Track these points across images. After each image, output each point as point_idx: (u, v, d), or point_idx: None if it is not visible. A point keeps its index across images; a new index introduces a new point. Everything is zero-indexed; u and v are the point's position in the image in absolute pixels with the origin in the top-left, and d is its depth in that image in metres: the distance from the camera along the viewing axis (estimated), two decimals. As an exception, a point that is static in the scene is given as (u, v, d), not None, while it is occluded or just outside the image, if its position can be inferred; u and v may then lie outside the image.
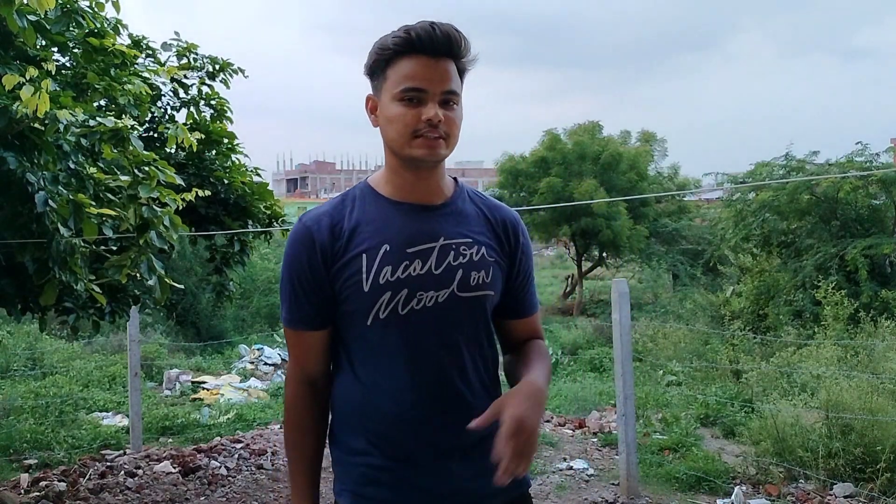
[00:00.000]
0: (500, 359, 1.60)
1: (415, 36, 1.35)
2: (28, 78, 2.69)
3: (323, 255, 1.41)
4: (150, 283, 3.51)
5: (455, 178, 1.55)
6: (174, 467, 5.34)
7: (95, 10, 3.44)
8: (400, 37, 1.37)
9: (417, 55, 1.36)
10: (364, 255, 1.40)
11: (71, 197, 2.89)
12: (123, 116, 3.46)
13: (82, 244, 3.10)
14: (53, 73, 3.00)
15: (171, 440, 6.61)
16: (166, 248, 3.48)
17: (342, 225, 1.42)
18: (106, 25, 3.59)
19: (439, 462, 1.44)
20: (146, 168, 3.27)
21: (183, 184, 3.46)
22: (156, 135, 4.73)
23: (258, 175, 5.41)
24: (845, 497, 4.48)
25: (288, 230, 5.64)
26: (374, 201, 1.45)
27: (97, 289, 3.31)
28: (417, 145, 1.37)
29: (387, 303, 1.39)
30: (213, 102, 5.13)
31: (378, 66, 1.40)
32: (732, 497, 4.55)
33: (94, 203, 3.03)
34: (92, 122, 3.00)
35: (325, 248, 1.41)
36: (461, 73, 1.42)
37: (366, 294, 1.39)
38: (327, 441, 1.54)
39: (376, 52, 1.40)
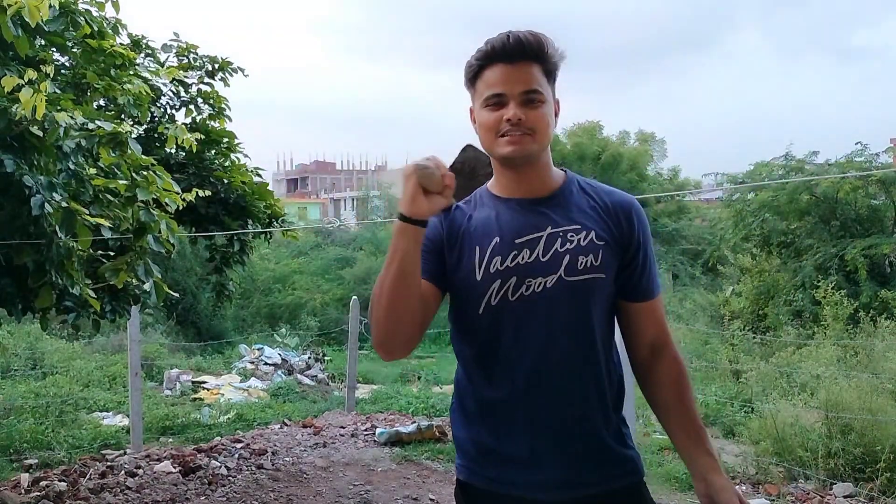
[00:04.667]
0: (631, 355, 1.64)
1: (490, 47, 1.50)
2: (27, 80, 2.69)
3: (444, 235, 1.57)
4: (147, 287, 3.51)
5: (565, 171, 1.63)
6: (174, 467, 5.35)
7: (93, 10, 3.43)
8: (480, 50, 1.52)
9: (496, 63, 1.49)
10: (477, 248, 1.51)
11: (64, 204, 2.88)
12: (123, 117, 3.46)
13: (79, 248, 3.10)
14: (52, 75, 2.99)
15: (171, 440, 6.61)
16: (163, 251, 3.48)
17: (461, 221, 1.56)
18: (105, 25, 3.59)
19: (540, 443, 1.50)
20: (144, 172, 3.26)
21: (179, 190, 3.46)
22: (156, 135, 4.73)
23: (258, 175, 5.41)
24: (845, 497, 4.48)
25: (288, 230, 5.66)
26: (489, 199, 1.58)
27: (92, 294, 3.30)
28: (503, 144, 1.49)
29: (497, 290, 1.48)
30: (211, 101, 5.13)
31: (469, 81, 1.55)
32: (732, 497, 4.55)
33: (87, 211, 3.02)
34: (91, 126, 3.00)
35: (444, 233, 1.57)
36: (549, 73, 1.53)
37: (478, 282, 1.49)
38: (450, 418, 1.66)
39: (465, 69, 1.55)
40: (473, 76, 1.54)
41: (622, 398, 1.61)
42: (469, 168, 1.56)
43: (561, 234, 1.51)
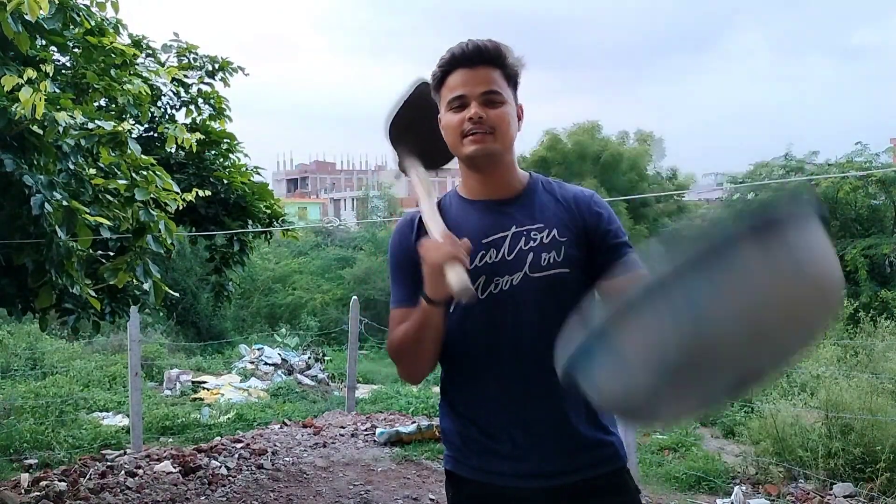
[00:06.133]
0: None
1: (451, 55, 1.58)
2: (26, 79, 2.69)
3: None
4: (146, 287, 3.50)
5: (530, 173, 1.68)
6: (174, 467, 5.34)
7: (93, 8, 3.42)
8: (442, 59, 1.59)
9: (458, 69, 1.57)
10: None
11: (65, 203, 2.88)
12: (123, 117, 3.46)
13: (79, 248, 3.09)
14: (52, 74, 2.98)
15: (171, 440, 6.61)
16: (162, 252, 3.48)
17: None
18: (105, 25, 3.59)
19: (518, 436, 1.56)
20: (143, 172, 3.26)
21: (179, 190, 3.45)
22: (155, 135, 4.73)
23: (258, 175, 5.41)
24: (845, 497, 4.48)
25: (288, 230, 5.68)
26: (457, 203, 1.66)
27: (93, 293, 3.30)
28: (467, 143, 1.55)
29: None
30: (211, 101, 5.13)
31: (435, 90, 1.62)
32: (732, 497, 4.55)
33: (88, 210, 3.02)
34: (91, 126, 3.00)
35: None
36: (510, 78, 1.59)
37: None
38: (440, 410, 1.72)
39: (431, 78, 1.63)
40: (438, 84, 1.61)
41: None
42: (423, 102, 1.67)
43: (525, 232, 1.57)
